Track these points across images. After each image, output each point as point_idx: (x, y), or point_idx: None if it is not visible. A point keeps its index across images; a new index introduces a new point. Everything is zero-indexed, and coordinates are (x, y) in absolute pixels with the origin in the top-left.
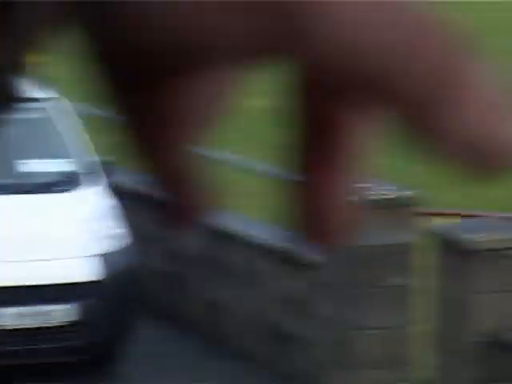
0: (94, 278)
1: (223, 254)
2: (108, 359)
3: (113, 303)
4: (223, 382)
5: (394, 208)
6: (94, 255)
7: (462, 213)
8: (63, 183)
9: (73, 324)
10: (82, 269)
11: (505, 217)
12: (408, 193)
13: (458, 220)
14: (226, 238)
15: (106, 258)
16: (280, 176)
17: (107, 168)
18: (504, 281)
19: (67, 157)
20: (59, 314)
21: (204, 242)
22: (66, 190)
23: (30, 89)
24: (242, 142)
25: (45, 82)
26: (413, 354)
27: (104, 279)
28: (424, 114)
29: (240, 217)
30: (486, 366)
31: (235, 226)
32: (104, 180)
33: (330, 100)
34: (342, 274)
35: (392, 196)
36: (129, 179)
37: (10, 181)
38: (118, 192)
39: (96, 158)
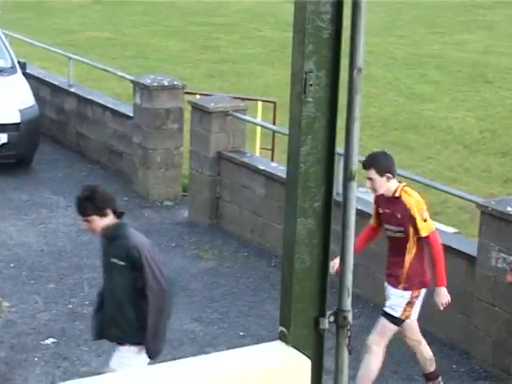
0: (16, 121)
1: (87, 110)
2: (26, 162)
3: (25, 134)
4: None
5: None
6: (17, 109)
7: (205, 93)
8: (2, 72)
9: (5, 144)
10: (10, 116)
11: (230, 96)
12: (180, 82)
13: None
14: (88, 102)
15: (23, 111)
16: None
17: (21, 64)
18: (222, 127)
19: (4, 58)
20: (0, 137)
21: None
22: (4, 76)
23: None
24: None
25: None
26: (181, 162)
27: (21, 122)
28: None
29: None
30: (215, 168)
31: None
32: (20, 71)
33: None
34: (145, 122)
35: None
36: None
37: None
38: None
39: (15, 59)
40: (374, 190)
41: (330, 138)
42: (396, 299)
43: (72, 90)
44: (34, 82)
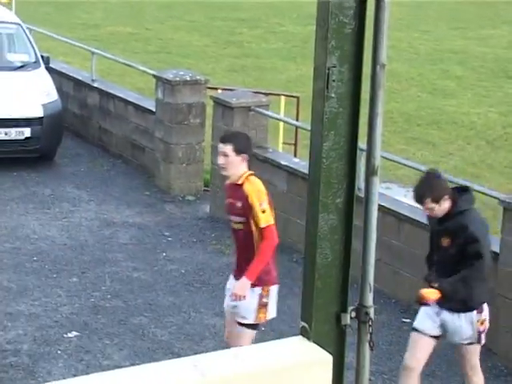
0: (39, 115)
1: (109, 105)
2: (50, 156)
3: (48, 128)
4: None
5: None
6: (40, 104)
7: (227, 88)
8: (26, 66)
9: (28, 138)
10: (34, 111)
11: (253, 91)
12: (202, 77)
13: None
14: (111, 96)
15: (46, 105)
16: None
17: (44, 59)
18: (244, 122)
19: (28, 53)
20: (24, 131)
21: None
22: (28, 70)
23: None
24: None
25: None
26: (203, 157)
27: (44, 116)
28: None
29: None
30: None
31: None
32: (43, 65)
33: None
34: (167, 117)
35: None
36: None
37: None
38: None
39: (39, 53)
40: (225, 168)
41: (352, 134)
42: (247, 303)
43: (95, 84)
44: (57, 76)
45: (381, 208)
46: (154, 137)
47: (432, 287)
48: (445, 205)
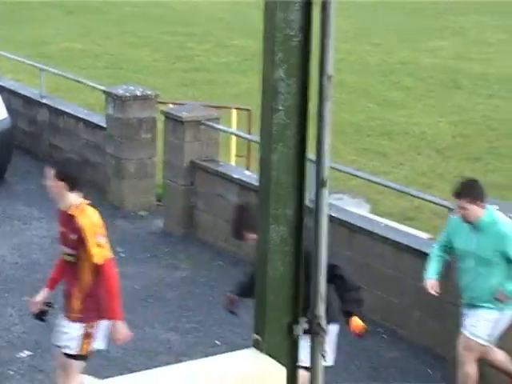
0: None
1: (59, 121)
2: (1, 174)
3: None
4: None
5: None
6: None
7: (178, 102)
8: None
9: None
10: None
11: (203, 105)
12: (153, 91)
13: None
14: (60, 113)
15: None
16: None
17: None
18: (196, 136)
19: None
20: None
21: None
22: None
23: None
24: None
25: None
26: (155, 172)
27: None
28: None
29: None
30: (189, 177)
31: None
32: None
33: None
34: (118, 132)
35: None
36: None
37: None
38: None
39: None
40: (52, 194)
41: (301, 146)
42: (71, 334)
43: (44, 101)
44: (6, 94)
45: (333, 219)
46: (105, 152)
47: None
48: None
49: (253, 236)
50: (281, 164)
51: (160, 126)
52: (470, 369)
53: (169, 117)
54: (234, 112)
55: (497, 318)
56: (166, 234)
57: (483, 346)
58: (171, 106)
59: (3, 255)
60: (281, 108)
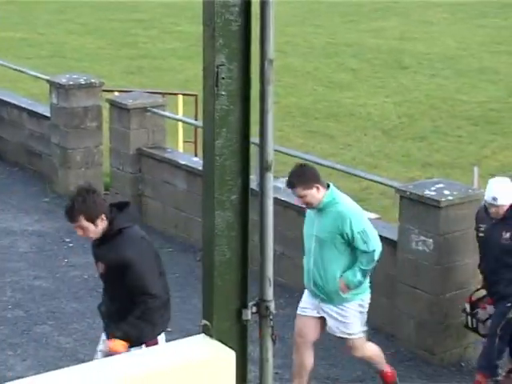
0: None
1: (2, 112)
2: None
3: None
4: None
5: None
6: None
7: (123, 90)
8: None
9: None
10: None
11: (149, 91)
12: (97, 79)
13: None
14: (3, 103)
15: None
16: None
17: None
18: (141, 123)
19: None
20: None
21: None
22: None
23: None
24: None
25: None
26: (102, 160)
27: None
28: None
29: None
30: (136, 164)
31: None
32: None
33: None
34: (63, 121)
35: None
36: None
37: None
38: None
39: None
40: None
41: (244, 130)
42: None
43: None
44: None
45: (281, 202)
46: (51, 142)
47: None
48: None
49: (85, 223)
50: (225, 149)
51: (106, 114)
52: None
53: (114, 104)
54: (181, 98)
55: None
56: None
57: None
58: (116, 93)
59: None
60: (223, 93)
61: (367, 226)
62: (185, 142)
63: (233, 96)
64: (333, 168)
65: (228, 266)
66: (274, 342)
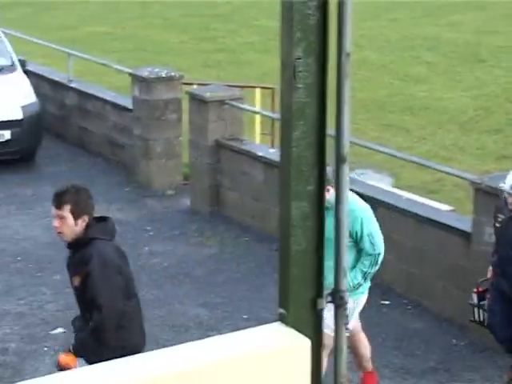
0: (18, 118)
1: (88, 105)
2: (30, 157)
3: (28, 130)
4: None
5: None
6: (19, 106)
7: (202, 83)
8: (3, 70)
9: (8, 140)
10: (13, 113)
11: (227, 84)
12: (177, 73)
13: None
14: (89, 96)
15: (25, 107)
16: None
17: (21, 62)
18: (220, 115)
19: (5, 56)
20: (4, 134)
21: None
22: (5, 73)
23: None
24: None
25: None
26: (181, 151)
27: (23, 118)
28: None
29: None
30: (214, 156)
31: None
32: (20, 68)
33: None
34: (145, 113)
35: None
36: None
37: None
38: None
39: (15, 56)
40: None
41: (320, 122)
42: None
43: (72, 85)
44: (35, 78)
45: (356, 194)
46: (133, 134)
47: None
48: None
49: (68, 215)
50: (301, 141)
51: (185, 106)
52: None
53: (193, 97)
54: (258, 91)
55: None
56: (193, 212)
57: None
58: (195, 86)
59: (35, 236)
60: (300, 86)
61: (376, 229)
62: (261, 133)
63: (310, 89)
64: (407, 160)
65: (303, 256)
66: (347, 330)
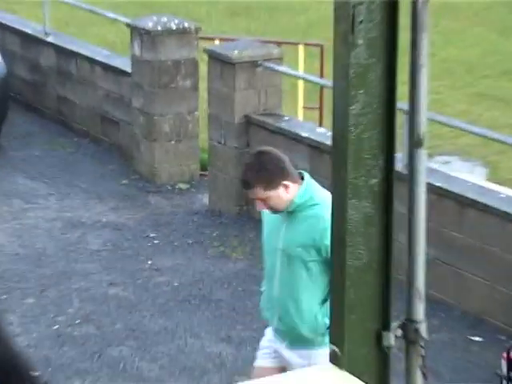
0: None
1: (70, 66)
2: None
3: None
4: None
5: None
6: None
7: (226, 38)
8: None
9: None
10: None
11: (261, 40)
12: (193, 24)
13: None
14: (71, 55)
15: None
16: None
17: None
18: (250, 82)
19: None
20: None
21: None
22: None
23: None
24: None
25: None
26: (198, 130)
27: None
28: None
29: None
30: (242, 137)
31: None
32: None
33: None
34: (148, 79)
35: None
36: None
37: None
38: None
39: None
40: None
41: (388, 92)
42: None
43: (49, 39)
44: (0, 31)
45: (437, 189)
46: (131, 106)
47: None
48: None
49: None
50: (362, 117)
51: (203, 69)
52: None
53: (214, 57)
54: (302, 49)
55: None
56: (213, 213)
57: None
58: (217, 42)
59: (0, 244)
60: (361, 42)
61: None
62: (305, 108)
63: (374, 46)
64: (507, 143)
65: (365, 274)
66: (424, 376)
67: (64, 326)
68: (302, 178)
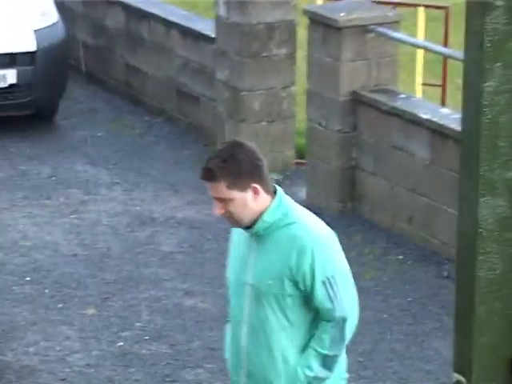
0: (30, 49)
1: (142, 29)
2: (47, 114)
3: (45, 69)
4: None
5: None
6: (32, 29)
7: None
8: None
9: (13, 85)
10: (21, 41)
11: (374, 0)
12: None
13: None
14: (143, 16)
15: (40, 31)
16: None
17: None
18: (360, 51)
19: None
20: (7, 75)
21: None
22: None
23: None
24: None
25: None
26: (294, 109)
27: (38, 50)
28: None
29: None
30: (348, 118)
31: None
32: None
33: None
34: (235, 46)
35: None
36: None
37: None
38: None
39: None
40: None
41: None
42: None
43: None
44: None
45: None
46: (215, 79)
47: None
48: None
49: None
50: (500, 96)
51: (302, 35)
52: None
53: (316, 20)
54: (422, 11)
55: None
56: (312, 209)
57: None
58: (320, 2)
59: (55, 243)
60: (499, 4)
61: (341, 271)
62: (425, 84)
63: None
64: None
65: (499, 288)
66: None
67: (130, 342)
68: (275, 192)
